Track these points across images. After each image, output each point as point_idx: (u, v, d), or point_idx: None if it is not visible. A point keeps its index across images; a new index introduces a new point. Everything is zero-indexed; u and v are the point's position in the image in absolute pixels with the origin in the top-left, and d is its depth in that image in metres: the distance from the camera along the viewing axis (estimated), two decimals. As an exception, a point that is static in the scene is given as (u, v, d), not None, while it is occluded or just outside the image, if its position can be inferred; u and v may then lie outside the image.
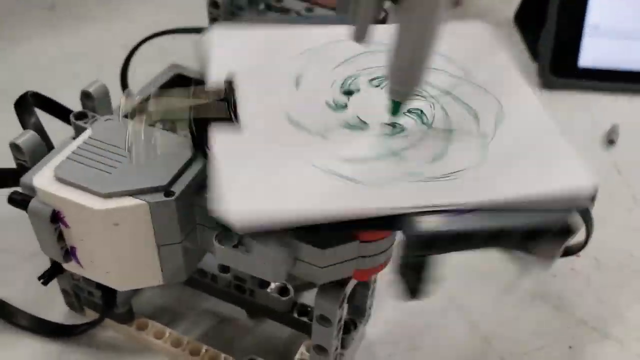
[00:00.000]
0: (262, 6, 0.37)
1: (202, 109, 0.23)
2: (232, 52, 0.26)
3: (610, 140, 0.43)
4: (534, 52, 0.50)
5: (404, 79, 0.22)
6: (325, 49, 0.26)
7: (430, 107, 0.24)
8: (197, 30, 0.33)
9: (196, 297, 0.31)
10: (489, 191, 0.20)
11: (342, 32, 0.23)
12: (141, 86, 0.31)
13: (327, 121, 0.23)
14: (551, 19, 0.46)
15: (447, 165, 0.22)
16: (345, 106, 0.24)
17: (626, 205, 0.39)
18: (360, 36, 0.22)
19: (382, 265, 0.23)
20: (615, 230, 0.37)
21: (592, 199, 0.22)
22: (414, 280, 0.21)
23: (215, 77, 0.24)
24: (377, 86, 0.24)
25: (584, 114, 0.46)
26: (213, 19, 0.35)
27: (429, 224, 0.19)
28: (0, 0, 0.53)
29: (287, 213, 0.19)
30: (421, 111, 0.23)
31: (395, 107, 0.22)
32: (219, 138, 0.22)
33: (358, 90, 0.24)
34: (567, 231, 0.20)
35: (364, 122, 0.23)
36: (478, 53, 0.27)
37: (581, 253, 0.34)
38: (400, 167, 0.21)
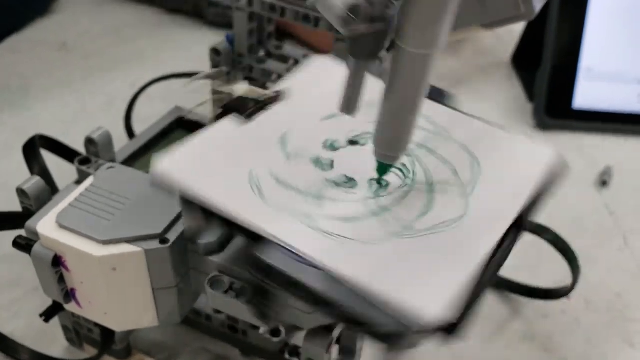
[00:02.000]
0: (261, 53, 0.38)
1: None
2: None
3: (603, 181, 0.44)
4: (530, 93, 0.51)
5: (390, 144, 0.23)
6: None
7: (412, 163, 0.25)
8: (191, 75, 0.35)
9: (192, 334, 0.32)
10: (349, 265, 0.20)
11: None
12: (145, 126, 0.32)
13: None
14: (546, 61, 0.48)
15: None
16: (331, 165, 0.25)
17: (617, 245, 0.40)
18: (350, 108, 0.23)
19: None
20: (606, 271, 0.38)
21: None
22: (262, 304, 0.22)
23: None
24: (358, 143, 0.26)
25: (577, 155, 0.47)
26: (215, 65, 0.36)
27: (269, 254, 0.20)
28: (12, 39, 0.55)
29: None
30: (405, 166, 0.25)
31: (383, 169, 0.23)
32: None
33: (343, 147, 0.25)
34: (391, 338, 0.19)
35: (352, 179, 0.24)
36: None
37: (572, 294, 0.35)
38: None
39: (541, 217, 0.36)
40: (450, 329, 0.20)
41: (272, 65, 0.38)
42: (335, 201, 0.23)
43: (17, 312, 0.33)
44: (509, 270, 0.36)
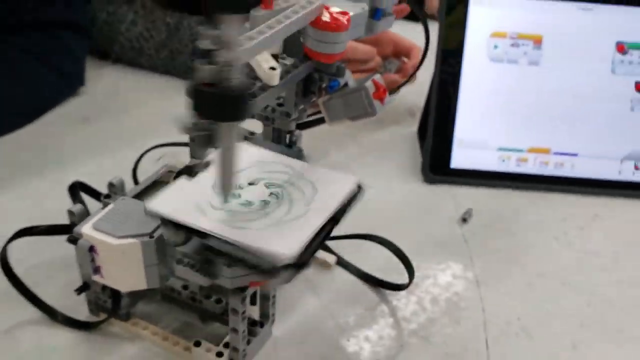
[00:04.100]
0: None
1: None
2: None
3: (464, 218, 0.63)
4: (424, 156, 0.70)
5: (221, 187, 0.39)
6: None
7: (282, 190, 0.43)
8: (183, 145, 0.54)
9: (168, 307, 0.50)
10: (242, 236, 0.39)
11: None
12: (144, 177, 0.51)
13: (232, 204, 0.42)
14: (430, 134, 0.67)
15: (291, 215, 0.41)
16: (240, 196, 0.43)
17: (464, 263, 0.58)
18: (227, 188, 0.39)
19: (260, 283, 0.42)
20: (452, 277, 0.56)
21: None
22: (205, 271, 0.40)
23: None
24: (253, 184, 0.44)
25: (450, 200, 0.66)
26: (192, 140, 0.55)
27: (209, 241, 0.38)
28: (48, 115, 0.75)
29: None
30: (279, 192, 0.43)
31: (225, 199, 0.40)
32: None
33: (245, 186, 0.44)
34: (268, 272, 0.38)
35: (250, 202, 0.43)
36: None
37: (413, 289, 0.53)
38: (270, 219, 0.41)
39: (413, 239, 0.55)
40: (298, 265, 0.38)
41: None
42: (241, 213, 0.42)
43: (54, 289, 0.51)
44: (376, 271, 0.54)
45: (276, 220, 0.40)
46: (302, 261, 0.38)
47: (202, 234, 0.39)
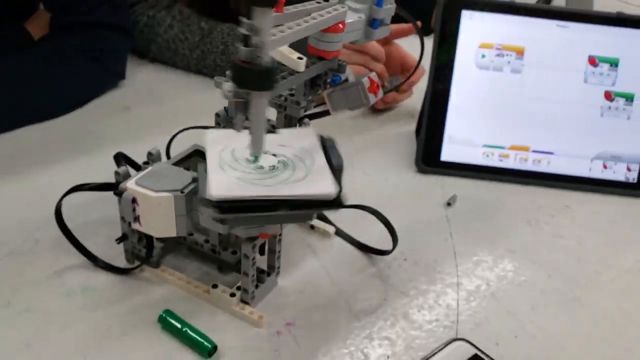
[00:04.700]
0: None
1: None
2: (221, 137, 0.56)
3: (448, 203, 0.72)
4: (418, 150, 0.80)
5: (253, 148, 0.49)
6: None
7: (291, 160, 0.53)
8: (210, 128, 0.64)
9: (192, 258, 0.60)
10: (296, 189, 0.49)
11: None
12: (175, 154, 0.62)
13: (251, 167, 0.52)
14: (422, 131, 0.77)
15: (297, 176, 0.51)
16: (255, 161, 0.53)
17: (444, 237, 0.67)
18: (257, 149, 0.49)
19: (270, 234, 0.52)
20: (433, 250, 0.65)
21: (337, 200, 0.48)
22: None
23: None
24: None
25: (439, 188, 0.75)
26: (217, 123, 0.65)
27: None
28: (92, 104, 0.86)
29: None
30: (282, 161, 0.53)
31: (257, 159, 0.51)
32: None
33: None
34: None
35: (261, 167, 0.52)
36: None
37: (398, 254, 0.62)
38: (277, 179, 0.51)
39: (403, 217, 0.65)
40: (338, 200, 0.48)
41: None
42: (254, 174, 0.51)
43: (100, 242, 0.61)
44: (367, 241, 0.64)
45: (281, 181, 0.50)
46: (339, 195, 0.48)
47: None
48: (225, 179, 0.49)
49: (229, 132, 0.54)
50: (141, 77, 0.93)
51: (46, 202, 0.60)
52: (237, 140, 0.53)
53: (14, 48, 0.81)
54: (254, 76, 0.44)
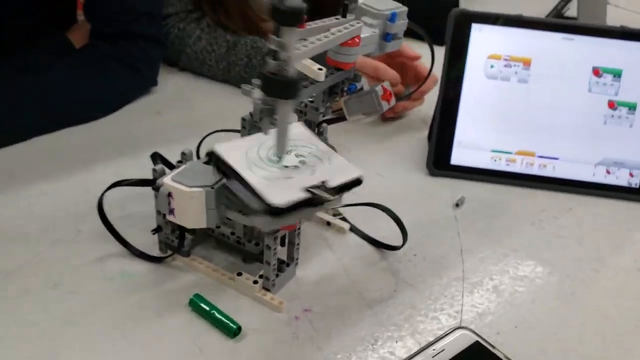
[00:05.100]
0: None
1: None
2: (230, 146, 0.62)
3: (457, 204, 0.77)
4: (430, 154, 0.85)
5: (278, 149, 0.56)
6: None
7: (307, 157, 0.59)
8: (236, 131, 0.70)
9: (219, 249, 0.66)
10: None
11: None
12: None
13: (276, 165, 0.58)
14: (433, 136, 0.82)
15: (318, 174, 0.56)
16: (279, 160, 0.59)
17: (451, 235, 0.72)
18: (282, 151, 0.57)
19: (292, 226, 0.58)
20: (439, 245, 0.70)
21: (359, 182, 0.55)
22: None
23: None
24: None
25: (449, 190, 0.80)
26: (243, 127, 0.71)
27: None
28: (126, 108, 0.93)
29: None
30: (302, 161, 0.58)
31: (280, 159, 0.57)
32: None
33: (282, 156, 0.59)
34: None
35: (285, 166, 0.58)
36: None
37: (407, 250, 0.67)
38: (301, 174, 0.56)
39: (414, 216, 0.70)
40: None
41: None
42: (279, 170, 0.57)
43: (136, 233, 0.67)
44: (380, 237, 0.69)
45: (309, 177, 0.56)
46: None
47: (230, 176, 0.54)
48: (273, 184, 0.55)
49: (236, 142, 0.60)
50: (172, 84, 0.99)
51: (89, 197, 0.66)
52: (247, 145, 0.59)
53: (57, 55, 0.88)
54: (280, 86, 0.50)
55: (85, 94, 0.87)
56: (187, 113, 0.93)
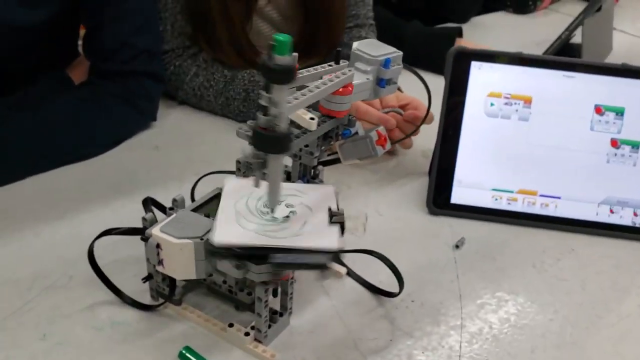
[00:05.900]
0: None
1: None
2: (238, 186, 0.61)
3: (457, 245, 0.76)
4: (430, 192, 0.83)
5: (270, 201, 0.55)
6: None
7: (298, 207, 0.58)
8: (231, 172, 0.70)
9: (211, 297, 0.65)
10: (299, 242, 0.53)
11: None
12: (199, 196, 0.67)
13: (265, 218, 0.57)
14: (433, 175, 0.80)
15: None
16: (269, 212, 0.58)
17: (450, 278, 0.70)
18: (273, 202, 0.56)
19: (286, 277, 0.57)
20: (436, 288, 0.69)
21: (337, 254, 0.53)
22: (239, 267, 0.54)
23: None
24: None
25: (448, 230, 0.79)
26: (238, 169, 0.70)
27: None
28: (125, 144, 0.93)
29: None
30: (293, 212, 0.57)
31: (272, 211, 0.56)
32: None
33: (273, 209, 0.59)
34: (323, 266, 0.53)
35: (276, 218, 0.57)
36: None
37: (403, 297, 0.66)
38: (287, 231, 0.55)
39: (412, 257, 0.68)
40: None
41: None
42: (269, 226, 0.56)
43: (126, 280, 0.67)
44: (377, 282, 0.67)
45: (294, 233, 0.55)
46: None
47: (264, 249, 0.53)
48: (234, 227, 0.54)
49: (247, 181, 0.59)
50: (170, 118, 0.99)
51: (81, 239, 0.65)
52: (253, 190, 0.58)
53: (56, 92, 0.88)
54: (271, 141, 0.49)
55: (83, 131, 0.86)
56: (185, 148, 0.92)
